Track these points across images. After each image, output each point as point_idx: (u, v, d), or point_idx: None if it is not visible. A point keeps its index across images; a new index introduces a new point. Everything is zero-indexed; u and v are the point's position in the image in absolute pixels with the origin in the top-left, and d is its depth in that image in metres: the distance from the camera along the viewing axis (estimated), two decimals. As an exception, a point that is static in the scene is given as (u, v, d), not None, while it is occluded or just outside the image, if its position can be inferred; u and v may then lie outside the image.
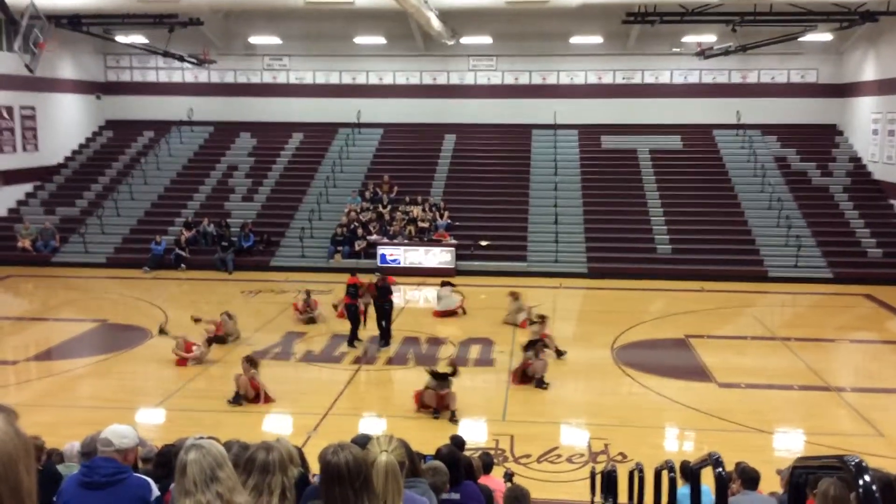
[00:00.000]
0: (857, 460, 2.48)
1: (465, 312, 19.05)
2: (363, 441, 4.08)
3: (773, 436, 12.00)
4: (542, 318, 15.94)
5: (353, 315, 16.30)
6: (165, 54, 27.38)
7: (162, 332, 15.78)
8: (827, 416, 12.81)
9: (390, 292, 16.36)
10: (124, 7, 22.92)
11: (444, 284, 19.87)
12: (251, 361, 13.06)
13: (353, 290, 16.29)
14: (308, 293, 18.67)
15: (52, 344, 16.87)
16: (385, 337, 16.26)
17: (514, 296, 18.43)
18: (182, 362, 14.95)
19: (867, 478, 2.39)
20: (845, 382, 14.43)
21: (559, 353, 15.22)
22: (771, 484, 7.64)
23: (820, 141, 28.25)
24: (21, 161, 27.60)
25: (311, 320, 18.10)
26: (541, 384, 13.79)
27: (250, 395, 12.84)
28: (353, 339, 16.31)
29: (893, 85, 24.74)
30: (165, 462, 5.66)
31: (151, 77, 31.68)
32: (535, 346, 14.18)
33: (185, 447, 3.39)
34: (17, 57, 19.87)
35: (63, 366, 15.23)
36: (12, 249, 24.80)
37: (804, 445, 11.62)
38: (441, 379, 12.34)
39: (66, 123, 29.96)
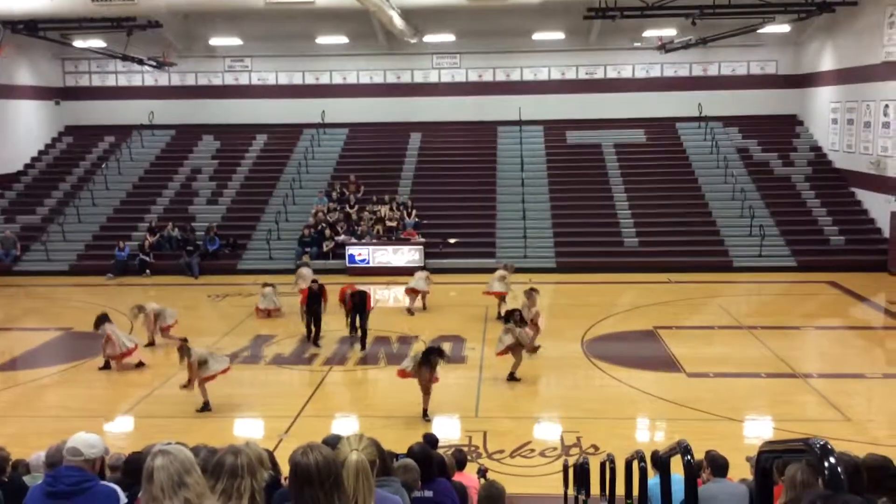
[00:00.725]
0: (822, 443, 2.49)
1: (424, 308, 19.12)
2: (334, 441, 4.05)
3: (742, 423, 12.14)
4: (533, 292, 15.70)
5: (310, 316, 16.44)
6: (124, 58, 26.95)
7: (104, 368, 15.17)
8: (795, 402, 12.98)
9: (366, 301, 16.27)
10: (81, 11, 22.49)
11: (422, 269, 20.01)
12: (181, 350, 12.77)
13: (311, 293, 16.41)
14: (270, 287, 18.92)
15: (16, 354, 16.59)
16: (361, 341, 16.21)
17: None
18: (127, 354, 14.92)
19: (832, 459, 2.39)
20: (812, 369, 14.63)
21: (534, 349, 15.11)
22: (741, 471, 7.71)
23: (781, 131, 28.62)
24: (-21, 169, 27.12)
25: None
26: (512, 377, 13.84)
27: (205, 397, 12.71)
28: (316, 337, 16.46)
29: (850, 74, 25.16)
30: (134, 469, 5.57)
31: (111, 81, 31.22)
32: (514, 315, 14.04)
33: (152, 453, 3.33)
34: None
35: (28, 375, 14.97)
36: (-28, 259, 24.33)
37: (773, 432, 11.74)
38: (429, 359, 12.03)
39: (25, 130, 29.44)
